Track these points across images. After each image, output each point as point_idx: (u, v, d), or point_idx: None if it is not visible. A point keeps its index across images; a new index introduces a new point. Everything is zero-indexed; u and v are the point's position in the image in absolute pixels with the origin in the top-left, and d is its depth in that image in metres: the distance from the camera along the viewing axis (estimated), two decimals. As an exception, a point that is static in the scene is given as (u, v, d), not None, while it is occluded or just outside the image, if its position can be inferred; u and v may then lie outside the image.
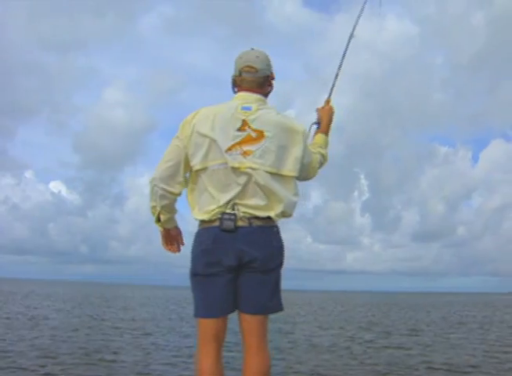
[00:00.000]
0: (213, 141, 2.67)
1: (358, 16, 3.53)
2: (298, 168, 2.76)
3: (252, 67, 2.80)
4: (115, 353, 8.48)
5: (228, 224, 2.62)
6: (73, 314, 17.98)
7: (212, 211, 2.66)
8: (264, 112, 2.74)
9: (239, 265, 2.65)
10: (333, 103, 3.24)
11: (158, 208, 2.83)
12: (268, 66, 2.86)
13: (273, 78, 2.90)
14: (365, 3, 3.58)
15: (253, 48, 2.87)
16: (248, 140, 2.67)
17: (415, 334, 13.64)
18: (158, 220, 2.88)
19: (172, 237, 2.98)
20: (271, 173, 2.66)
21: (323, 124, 3.18)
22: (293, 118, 2.86)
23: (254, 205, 2.65)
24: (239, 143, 2.66)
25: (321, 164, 3.02)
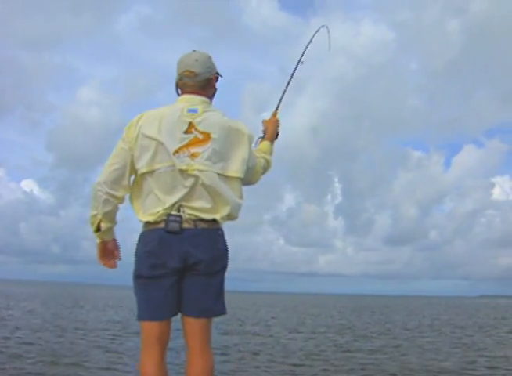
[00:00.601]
0: (160, 143, 2.67)
1: (308, 44, 3.65)
2: (244, 170, 2.77)
3: (191, 72, 2.80)
4: (77, 355, 8.14)
5: (174, 226, 2.62)
6: (39, 314, 17.47)
7: (157, 213, 2.65)
8: (210, 114, 2.75)
9: (183, 267, 2.65)
10: (279, 116, 3.34)
11: (99, 216, 2.75)
12: (210, 68, 2.85)
13: (217, 79, 2.92)
14: (314, 35, 3.74)
15: (194, 51, 2.87)
16: (195, 142, 2.68)
17: (389, 338, 13.52)
18: (97, 230, 2.78)
19: (109, 251, 2.88)
20: (218, 174, 2.67)
21: (268, 133, 3.25)
22: (238, 121, 2.86)
23: (199, 207, 2.66)
24: (187, 146, 2.67)
25: (264, 169, 3.06)
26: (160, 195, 2.66)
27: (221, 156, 2.70)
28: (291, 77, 3.49)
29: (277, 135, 3.31)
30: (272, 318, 22.20)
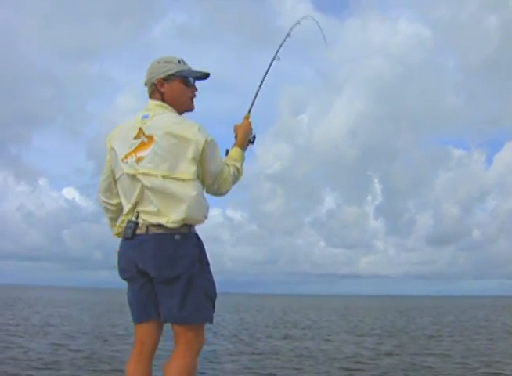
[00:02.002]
0: (115, 152, 2.83)
1: (285, 38, 3.48)
2: (194, 171, 2.68)
3: (144, 82, 2.96)
4: (119, 362, 7.75)
5: (127, 232, 2.71)
6: (80, 321, 17.38)
7: (123, 220, 2.80)
8: (158, 117, 2.79)
9: (142, 272, 2.70)
10: (251, 119, 3.17)
11: (109, 220, 3.03)
12: (153, 73, 2.90)
13: (164, 82, 2.88)
14: (292, 28, 3.57)
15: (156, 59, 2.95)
16: (141, 146, 2.74)
17: (449, 340, 12.83)
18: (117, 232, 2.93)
19: None
20: (163, 177, 2.65)
21: (238, 138, 3.09)
22: (188, 121, 2.80)
23: (148, 211, 2.69)
24: (134, 151, 2.75)
25: (235, 177, 2.92)
26: (123, 202, 2.82)
27: (164, 158, 2.67)
28: (265, 74, 3.33)
29: (253, 139, 3.13)
30: (326, 321, 21.62)
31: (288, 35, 3.46)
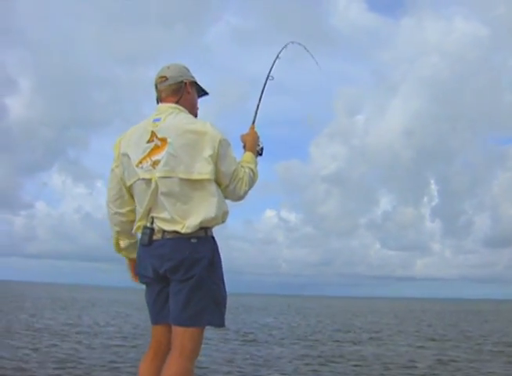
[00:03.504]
0: (129, 157, 2.74)
1: (275, 60, 3.46)
2: (211, 171, 2.63)
3: (162, 77, 2.87)
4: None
5: (144, 238, 2.70)
6: (135, 321, 17.22)
7: (138, 226, 2.76)
8: (170, 119, 2.73)
9: (161, 276, 2.70)
10: (256, 129, 3.17)
11: (115, 234, 2.93)
12: (181, 72, 2.89)
13: (192, 85, 2.91)
14: (281, 51, 3.51)
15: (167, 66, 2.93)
16: (155, 150, 2.68)
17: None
18: (119, 249, 2.97)
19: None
20: (181, 180, 2.62)
21: (248, 145, 3.05)
22: (201, 122, 2.77)
23: (163, 218, 2.66)
24: (149, 155, 2.69)
25: (251, 178, 2.84)
26: (138, 208, 2.77)
27: (179, 160, 2.62)
28: (262, 93, 3.30)
29: (261, 150, 3.09)
30: (389, 324, 20.90)
31: (278, 57, 3.47)
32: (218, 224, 2.73)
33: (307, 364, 8.18)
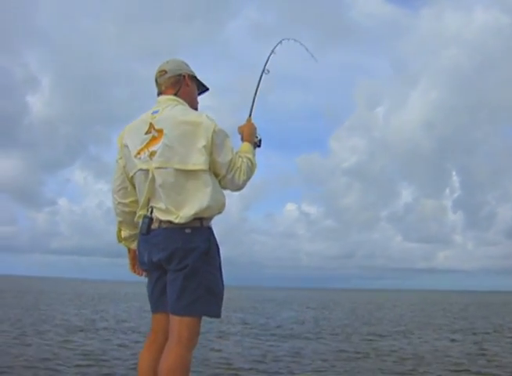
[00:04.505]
0: (129, 149, 2.82)
1: (269, 55, 3.47)
2: (205, 160, 2.67)
3: (162, 71, 2.95)
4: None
5: (143, 227, 2.73)
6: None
7: (139, 216, 2.81)
8: (168, 110, 2.78)
9: (157, 265, 2.75)
10: (254, 120, 3.19)
11: (117, 224, 3.01)
12: (180, 66, 2.96)
13: (190, 78, 2.96)
14: (276, 46, 3.51)
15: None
16: (152, 141, 2.73)
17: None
18: (121, 239, 3.05)
19: (136, 260, 3.04)
20: (176, 170, 2.66)
21: (245, 135, 3.06)
22: (196, 113, 2.85)
23: (159, 208, 2.72)
24: (146, 146, 2.75)
25: (249, 168, 2.86)
26: (139, 198, 2.84)
27: (175, 150, 2.67)
28: (257, 87, 3.32)
29: (260, 142, 3.11)
30: (416, 317, 20.34)
31: (273, 52, 3.47)
32: (213, 215, 2.77)
33: (344, 360, 7.92)
